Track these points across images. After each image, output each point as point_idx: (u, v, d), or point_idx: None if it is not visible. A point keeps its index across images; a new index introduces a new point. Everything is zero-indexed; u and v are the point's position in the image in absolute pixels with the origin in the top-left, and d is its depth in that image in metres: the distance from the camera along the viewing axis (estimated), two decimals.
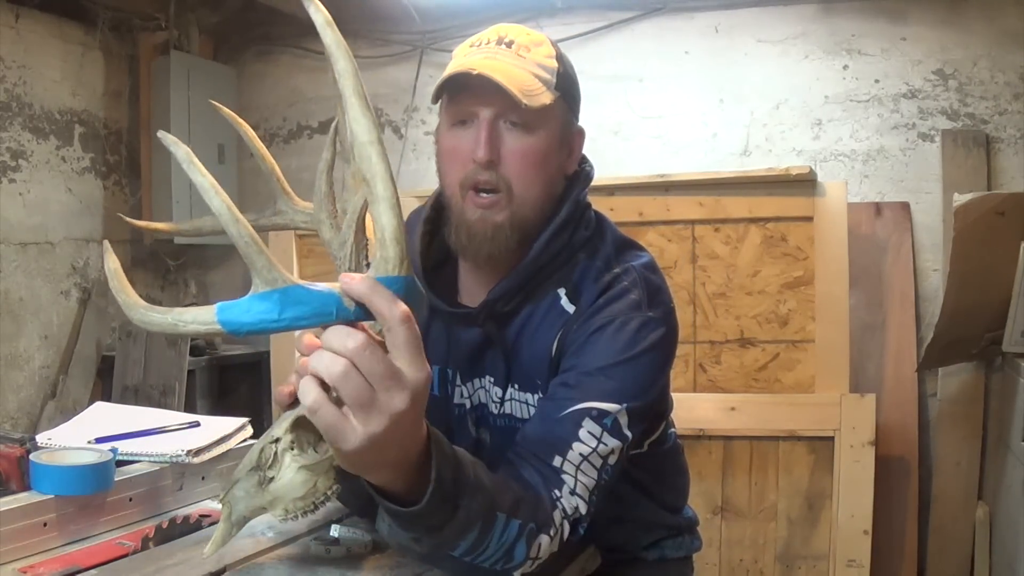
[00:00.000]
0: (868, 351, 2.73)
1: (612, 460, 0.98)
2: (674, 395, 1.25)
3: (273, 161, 0.90)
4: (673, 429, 1.27)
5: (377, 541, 0.99)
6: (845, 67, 2.92)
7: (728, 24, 3.03)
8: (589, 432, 0.96)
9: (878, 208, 2.84)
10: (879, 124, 2.89)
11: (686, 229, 2.57)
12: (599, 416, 0.97)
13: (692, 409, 2.42)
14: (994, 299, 2.26)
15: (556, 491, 0.93)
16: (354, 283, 0.64)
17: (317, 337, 0.68)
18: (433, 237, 1.14)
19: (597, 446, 0.96)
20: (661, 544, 1.26)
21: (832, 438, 2.40)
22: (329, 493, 0.73)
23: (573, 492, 0.94)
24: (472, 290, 1.13)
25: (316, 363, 0.65)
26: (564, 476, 0.94)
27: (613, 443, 0.97)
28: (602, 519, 1.02)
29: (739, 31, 3.03)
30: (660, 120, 3.09)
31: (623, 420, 0.98)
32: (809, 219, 2.46)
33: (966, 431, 2.65)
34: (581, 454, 0.95)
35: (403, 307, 0.65)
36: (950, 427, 2.67)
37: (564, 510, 0.92)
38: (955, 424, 2.66)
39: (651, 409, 1.06)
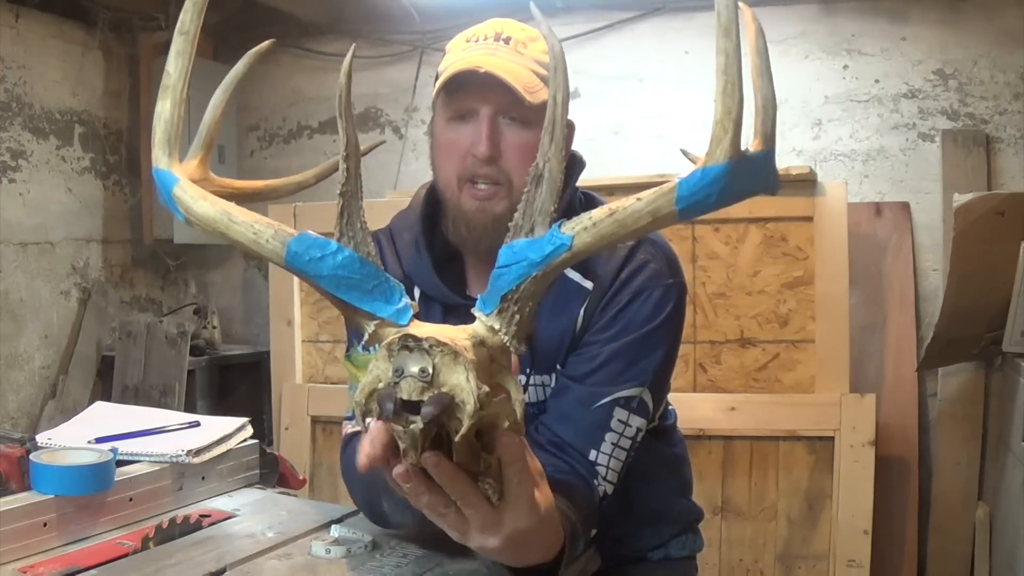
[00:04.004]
0: (868, 351, 2.73)
1: (639, 438, 1.04)
2: (674, 395, 1.25)
3: None
4: (672, 407, 1.30)
5: (377, 541, 0.99)
6: (845, 67, 2.92)
7: None
8: (619, 419, 1.02)
9: (878, 208, 2.84)
10: (879, 124, 2.89)
11: (686, 229, 2.56)
12: (627, 402, 1.02)
13: (692, 409, 2.41)
14: (994, 299, 2.26)
15: (594, 481, 0.99)
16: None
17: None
18: (433, 233, 1.14)
19: (624, 429, 1.02)
20: (666, 545, 1.27)
21: (832, 438, 2.40)
22: None
23: (605, 479, 1.00)
24: (480, 281, 1.14)
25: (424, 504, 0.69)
26: (598, 468, 1.00)
27: (638, 422, 1.03)
28: (614, 509, 1.04)
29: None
30: (660, 120, 3.09)
31: (647, 397, 1.04)
32: (809, 219, 2.46)
33: (966, 431, 2.64)
34: (613, 443, 1.01)
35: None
36: (950, 427, 2.67)
37: (598, 495, 0.99)
38: (955, 424, 2.66)
39: (668, 380, 1.12)
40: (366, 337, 0.66)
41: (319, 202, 3.12)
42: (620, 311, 1.05)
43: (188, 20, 0.79)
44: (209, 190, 0.78)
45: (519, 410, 0.65)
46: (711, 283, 2.57)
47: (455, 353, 0.60)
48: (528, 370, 1.10)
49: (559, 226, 0.65)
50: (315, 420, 2.86)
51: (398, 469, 0.66)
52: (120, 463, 1.08)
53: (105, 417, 1.29)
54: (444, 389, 0.60)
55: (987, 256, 2.23)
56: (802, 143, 2.97)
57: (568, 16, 3.14)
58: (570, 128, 1.15)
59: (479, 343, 0.64)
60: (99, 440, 1.14)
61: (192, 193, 0.72)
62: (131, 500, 1.06)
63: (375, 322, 0.66)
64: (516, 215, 0.66)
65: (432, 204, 1.14)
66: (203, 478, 1.17)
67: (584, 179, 1.18)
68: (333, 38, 3.54)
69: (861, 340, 2.68)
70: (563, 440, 1.01)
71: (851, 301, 2.50)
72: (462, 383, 0.60)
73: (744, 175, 0.64)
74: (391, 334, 0.64)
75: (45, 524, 0.96)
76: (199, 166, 0.82)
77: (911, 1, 2.85)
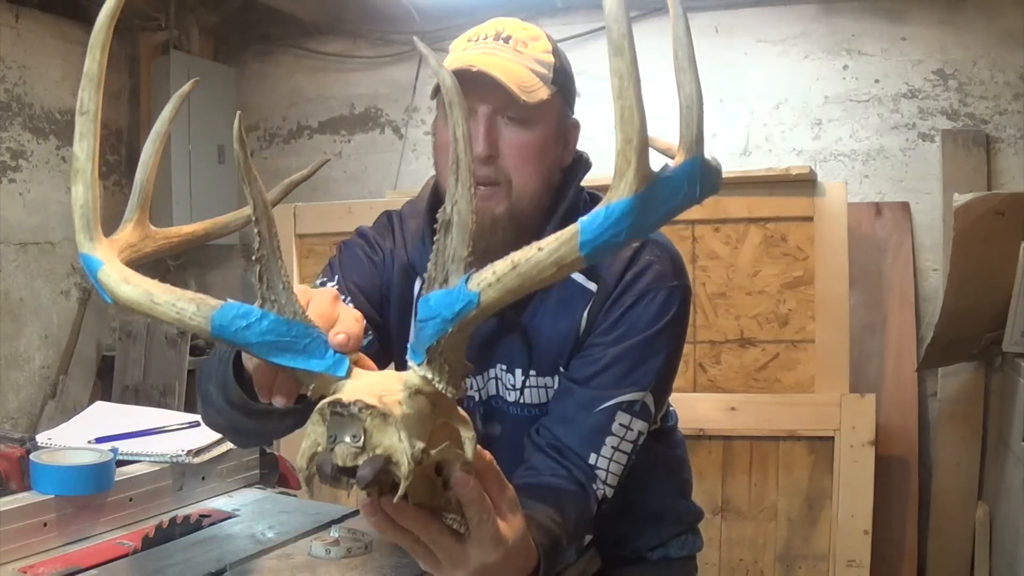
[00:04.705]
0: (868, 351, 2.73)
1: (640, 441, 1.04)
2: (674, 395, 1.25)
3: None
4: (673, 408, 1.31)
5: (377, 541, 0.99)
6: (845, 67, 2.92)
7: (728, 24, 3.03)
8: (621, 423, 1.02)
9: (878, 208, 2.84)
10: (879, 124, 2.89)
11: (686, 229, 2.57)
12: (629, 406, 1.02)
13: (692, 409, 2.41)
14: (994, 299, 2.26)
15: (592, 484, 1.00)
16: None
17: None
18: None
19: (626, 433, 1.02)
20: (666, 545, 1.27)
21: (832, 438, 2.40)
22: None
23: (605, 482, 1.01)
24: None
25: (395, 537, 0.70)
26: (598, 471, 1.00)
27: (640, 425, 1.03)
28: (614, 511, 1.04)
29: (739, 31, 3.02)
30: (660, 120, 3.03)
31: (649, 401, 1.04)
32: (809, 219, 2.46)
33: (966, 431, 2.64)
34: (614, 447, 1.01)
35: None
36: (950, 427, 2.67)
37: (597, 499, 1.00)
38: (955, 424, 2.66)
39: (671, 383, 1.11)
40: (310, 394, 0.66)
41: (318, 202, 3.13)
42: (624, 313, 1.05)
43: (87, 99, 0.76)
44: (152, 246, 0.78)
45: (469, 448, 0.65)
46: (711, 283, 2.57)
47: (384, 415, 0.60)
48: (527, 369, 1.10)
49: (466, 280, 0.62)
50: None
51: (364, 504, 0.67)
52: (120, 463, 1.08)
53: (105, 417, 1.29)
54: (379, 451, 0.60)
55: (987, 256, 2.23)
56: (802, 143, 2.97)
57: (568, 16, 3.15)
58: (575, 127, 1.15)
59: (415, 392, 0.63)
60: (99, 440, 1.14)
61: (116, 276, 0.70)
62: (131, 500, 1.06)
63: (315, 378, 0.66)
64: (429, 265, 0.64)
65: (437, 198, 1.14)
66: (203, 478, 1.17)
67: (588, 179, 1.18)
68: (333, 38, 3.54)
69: (861, 340, 2.68)
70: (563, 444, 1.01)
71: (851, 301, 2.50)
72: (395, 443, 0.60)
73: (658, 200, 0.59)
74: (332, 387, 0.64)
75: (45, 524, 0.96)
76: (136, 228, 0.80)
77: (911, 1, 2.85)
